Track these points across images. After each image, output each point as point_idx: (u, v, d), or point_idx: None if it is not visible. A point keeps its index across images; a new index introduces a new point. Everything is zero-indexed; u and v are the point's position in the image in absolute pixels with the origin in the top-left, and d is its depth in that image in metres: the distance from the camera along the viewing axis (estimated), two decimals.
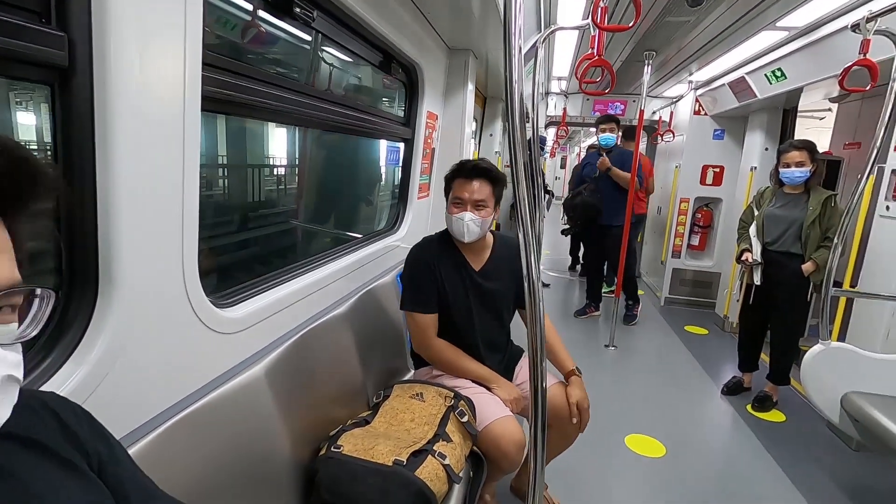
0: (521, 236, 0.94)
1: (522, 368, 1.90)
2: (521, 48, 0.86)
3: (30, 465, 0.49)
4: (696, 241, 4.91)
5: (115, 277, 0.76)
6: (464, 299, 1.72)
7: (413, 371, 1.96)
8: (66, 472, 0.51)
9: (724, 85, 4.02)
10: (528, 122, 5.76)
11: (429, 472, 1.23)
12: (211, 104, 0.94)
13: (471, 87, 2.79)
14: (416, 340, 1.76)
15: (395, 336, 2.02)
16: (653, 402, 3.00)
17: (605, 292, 5.16)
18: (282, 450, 1.19)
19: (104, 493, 0.54)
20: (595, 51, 1.88)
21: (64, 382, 0.71)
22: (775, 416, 2.87)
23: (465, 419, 1.49)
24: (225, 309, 1.07)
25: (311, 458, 1.31)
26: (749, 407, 2.93)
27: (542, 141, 6.29)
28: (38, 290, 0.45)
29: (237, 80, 1.04)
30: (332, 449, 1.28)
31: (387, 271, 2.18)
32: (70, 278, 0.74)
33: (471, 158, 1.72)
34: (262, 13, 1.36)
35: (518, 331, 1.95)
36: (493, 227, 1.78)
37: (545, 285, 5.00)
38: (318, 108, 1.46)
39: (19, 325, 0.44)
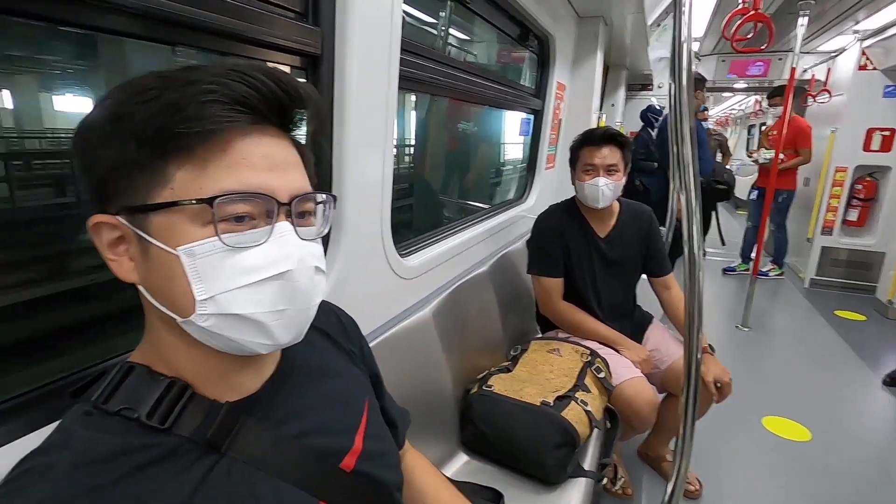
0: (683, 202, 0.97)
1: (652, 335, 1.91)
2: (691, 2, 0.88)
3: (328, 349, 0.68)
4: (853, 215, 4.31)
5: (342, 223, 0.96)
6: (588, 266, 1.78)
7: (540, 335, 2.06)
8: (349, 359, 0.70)
9: None
10: (651, 89, 5.42)
11: (573, 415, 1.34)
12: (402, 83, 1.10)
13: (600, 55, 2.75)
14: (542, 303, 1.85)
15: (526, 299, 2.14)
16: (794, 385, 2.78)
17: (740, 269, 4.79)
18: (444, 384, 1.38)
19: (368, 379, 0.72)
20: (750, 4, 1.75)
21: None
22: None
23: (601, 375, 1.57)
24: (405, 258, 1.26)
25: (462, 396, 1.49)
26: None
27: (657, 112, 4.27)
28: (323, 196, 0.52)
29: (419, 60, 1.20)
30: (484, 388, 1.44)
31: (516, 239, 2.30)
32: None
33: (595, 127, 1.75)
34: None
35: (645, 298, 1.96)
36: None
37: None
38: (471, 82, 1.60)
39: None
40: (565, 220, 1.80)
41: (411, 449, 0.83)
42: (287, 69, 0.89)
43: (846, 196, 4.30)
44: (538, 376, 1.56)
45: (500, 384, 1.44)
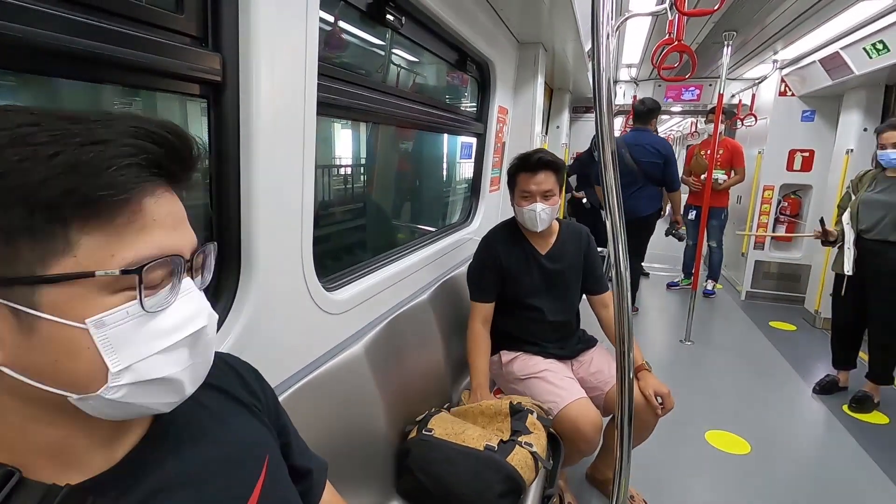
0: (608, 223, 0.96)
1: (596, 356, 1.90)
2: (608, 35, 0.89)
3: (221, 405, 0.60)
4: (781, 231, 4.59)
5: (253, 260, 0.89)
6: (531, 281, 1.80)
7: None
8: (247, 413, 0.62)
9: (814, 62, 3.73)
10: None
11: (518, 460, 1.28)
12: (322, 108, 1.05)
13: (540, 80, 2.80)
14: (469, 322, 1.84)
15: None
16: (735, 398, 2.88)
17: (684, 283, 4.97)
18: (378, 426, 1.30)
19: (273, 433, 0.65)
20: (674, 35, 1.83)
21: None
22: (877, 417, 2.66)
23: (534, 414, 1.51)
24: (332, 291, 1.19)
25: (400, 439, 1.41)
26: (846, 407, 2.73)
27: None
28: (210, 246, 0.51)
29: (342, 85, 1.15)
30: (424, 432, 1.36)
31: (461, 263, 2.26)
32: (220, 260, 0.87)
33: (530, 151, 1.76)
34: (344, 22, 1.46)
35: (588, 321, 1.97)
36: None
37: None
38: (404, 107, 1.56)
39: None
40: (504, 240, 1.83)
41: (335, 499, 0.76)
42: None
43: (774, 213, 4.58)
44: (481, 416, 1.49)
45: (440, 426, 1.37)
